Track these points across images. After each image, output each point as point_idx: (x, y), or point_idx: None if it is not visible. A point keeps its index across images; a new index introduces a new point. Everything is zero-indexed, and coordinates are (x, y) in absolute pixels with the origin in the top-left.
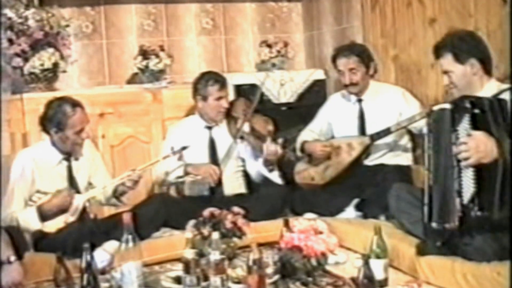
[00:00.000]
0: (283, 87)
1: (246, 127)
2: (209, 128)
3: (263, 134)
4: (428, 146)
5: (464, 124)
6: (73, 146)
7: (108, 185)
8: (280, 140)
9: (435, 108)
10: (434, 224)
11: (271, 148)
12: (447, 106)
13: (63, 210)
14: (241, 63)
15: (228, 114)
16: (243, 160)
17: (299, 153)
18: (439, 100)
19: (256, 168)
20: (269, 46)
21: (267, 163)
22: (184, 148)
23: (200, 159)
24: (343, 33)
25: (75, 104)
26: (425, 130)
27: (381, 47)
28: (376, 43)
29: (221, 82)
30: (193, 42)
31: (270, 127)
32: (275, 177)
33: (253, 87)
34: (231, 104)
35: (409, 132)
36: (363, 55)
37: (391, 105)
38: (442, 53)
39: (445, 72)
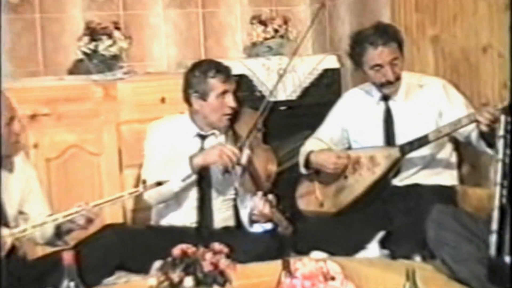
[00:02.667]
0: (282, 79)
1: (245, 155)
2: (202, 137)
3: (260, 177)
4: (505, 152)
5: None
6: (7, 146)
7: (50, 221)
8: (270, 197)
9: None
10: (507, 259)
11: (259, 206)
12: None
13: None
14: (225, 46)
15: (231, 124)
16: (235, 188)
17: (303, 170)
18: (495, 98)
19: (242, 214)
20: (263, 23)
21: (252, 218)
22: (159, 183)
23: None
24: (365, 4)
25: None
26: (501, 131)
27: (416, 24)
28: (409, 19)
29: (225, 71)
30: (159, 17)
31: (272, 168)
32: (259, 229)
33: (242, 79)
34: (235, 114)
35: (454, 141)
36: (400, 40)
37: (428, 103)
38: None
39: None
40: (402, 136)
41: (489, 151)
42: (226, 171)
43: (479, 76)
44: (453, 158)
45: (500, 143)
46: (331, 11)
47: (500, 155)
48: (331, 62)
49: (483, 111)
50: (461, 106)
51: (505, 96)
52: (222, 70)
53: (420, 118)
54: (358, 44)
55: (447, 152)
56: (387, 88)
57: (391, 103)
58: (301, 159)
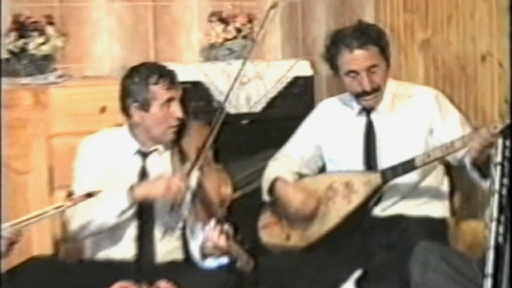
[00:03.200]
0: (245, 87)
1: (194, 177)
2: (144, 154)
3: (212, 203)
4: (501, 182)
5: None
6: None
7: None
8: (226, 226)
9: None
10: None
11: (213, 237)
12: None
13: None
14: (178, 47)
15: (177, 139)
16: (184, 216)
17: (266, 197)
18: (494, 115)
19: (192, 246)
20: (224, 21)
21: (204, 251)
22: (89, 195)
23: None
24: (344, 2)
25: None
26: (498, 158)
27: (404, 27)
28: (395, 21)
29: (169, 76)
30: (101, 11)
31: (227, 191)
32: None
33: (197, 86)
34: (182, 126)
35: (445, 165)
36: (384, 43)
37: (417, 117)
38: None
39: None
40: (385, 156)
41: (483, 183)
42: (173, 205)
43: (476, 89)
44: (445, 185)
45: (496, 171)
46: (305, 9)
47: (496, 186)
48: (303, 68)
49: (474, 135)
50: (456, 124)
51: (506, 112)
52: (165, 75)
53: (407, 136)
54: (334, 45)
55: (438, 178)
56: (363, 100)
57: (373, 116)
58: (265, 185)
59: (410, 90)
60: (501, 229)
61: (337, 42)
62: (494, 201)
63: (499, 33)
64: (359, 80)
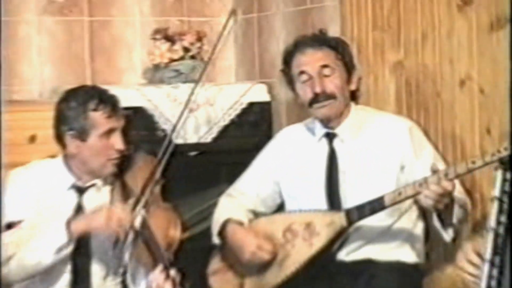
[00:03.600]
0: (193, 114)
1: (138, 216)
2: (80, 190)
3: (158, 246)
4: (498, 220)
5: None
6: None
7: None
8: (173, 272)
9: None
10: None
11: (158, 284)
12: None
13: None
14: (118, 69)
15: (119, 172)
16: (125, 260)
17: (216, 240)
18: (474, 147)
19: None
20: (170, 39)
21: None
22: (9, 226)
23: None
24: (306, 18)
25: None
26: (496, 191)
27: (373, 46)
28: (364, 39)
29: (111, 102)
30: (30, 27)
31: (175, 233)
32: None
33: (139, 113)
34: (124, 158)
35: (419, 206)
36: (343, 50)
37: (388, 150)
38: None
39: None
40: (350, 193)
41: (445, 235)
42: (116, 242)
43: (454, 117)
44: (418, 228)
45: (493, 207)
46: (262, 26)
47: (492, 223)
48: (259, 92)
49: (429, 181)
50: (429, 162)
51: (489, 146)
52: (107, 100)
53: (376, 170)
54: (289, 55)
55: (411, 219)
56: (316, 108)
57: (337, 143)
58: (215, 226)
59: (381, 119)
60: (495, 272)
61: (292, 51)
62: (489, 239)
63: (479, 55)
64: (311, 85)
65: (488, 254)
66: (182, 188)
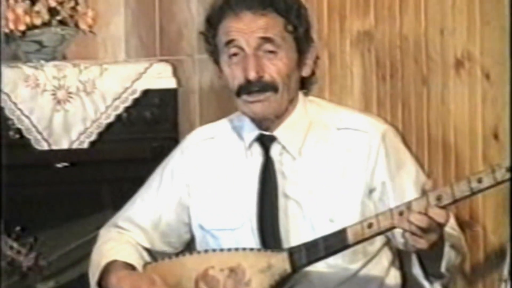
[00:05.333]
0: (63, 107)
1: None
2: None
3: None
4: None
5: None
6: None
7: None
8: None
9: None
10: None
11: None
12: None
13: None
14: None
15: None
16: None
17: None
18: (477, 158)
19: None
20: None
21: None
22: None
23: None
24: None
25: None
26: None
27: (329, 10)
28: (318, 3)
29: None
30: None
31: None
32: None
33: None
34: None
35: (392, 247)
36: (297, 18)
37: (349, 166)
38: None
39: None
40: (294, 222)
41: (427, 286)
42: None
43: (446, 112)
44: (392, 277)
45: (509, 249)
46: None
47: (507, 271)
48: (160, 76)
49: (413, 208)
50: (409, 179)
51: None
52: None
53: (332, 192)
54: (216, 12)
55: (381, 266)
56: (246, 99)
57: (275, 151)
58: (94, 272)
59: (340, 119)
60: None
61: (222, 8)
62: None
63: (484, 24)
64: (243, 65)
65: None
66: (44, 217)
